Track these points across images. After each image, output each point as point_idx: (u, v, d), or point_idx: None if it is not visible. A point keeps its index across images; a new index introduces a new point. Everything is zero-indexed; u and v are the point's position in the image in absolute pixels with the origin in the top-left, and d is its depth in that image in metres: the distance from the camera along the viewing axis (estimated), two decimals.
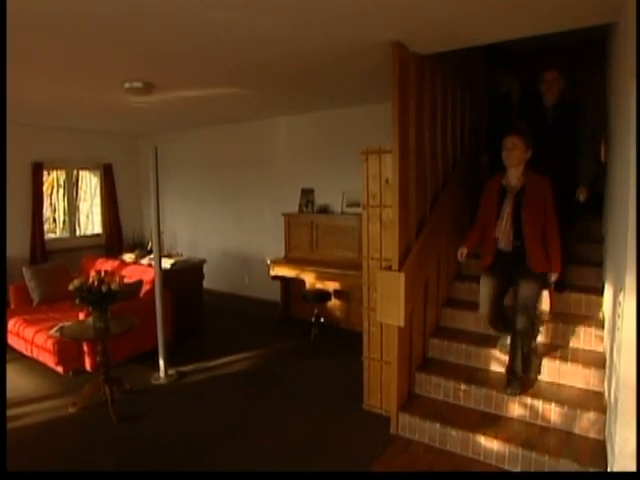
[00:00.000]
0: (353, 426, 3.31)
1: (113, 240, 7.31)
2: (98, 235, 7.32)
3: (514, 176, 2.96)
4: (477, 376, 3.25)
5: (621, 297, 1.98)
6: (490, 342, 3.40)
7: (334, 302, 5.32)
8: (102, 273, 3.48)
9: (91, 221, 7.42)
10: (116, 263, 5.30)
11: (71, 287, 3.34)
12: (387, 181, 3.22)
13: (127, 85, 3.65)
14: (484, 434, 2.85)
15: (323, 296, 5.13)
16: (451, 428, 2.97)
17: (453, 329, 3.68)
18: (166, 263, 4.88)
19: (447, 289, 3.88)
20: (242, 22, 2.53)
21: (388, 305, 3.05)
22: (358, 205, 5.44)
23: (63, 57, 3.09)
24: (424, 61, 3.27)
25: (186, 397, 3.81)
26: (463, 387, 3.17)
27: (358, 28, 2.69)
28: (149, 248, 6.31)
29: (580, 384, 3.02)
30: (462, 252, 3.20)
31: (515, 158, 2.91)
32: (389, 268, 3.13)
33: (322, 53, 3.18)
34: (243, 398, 3.76)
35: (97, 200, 7.36)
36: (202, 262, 5.49)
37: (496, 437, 2.81)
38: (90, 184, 7.35)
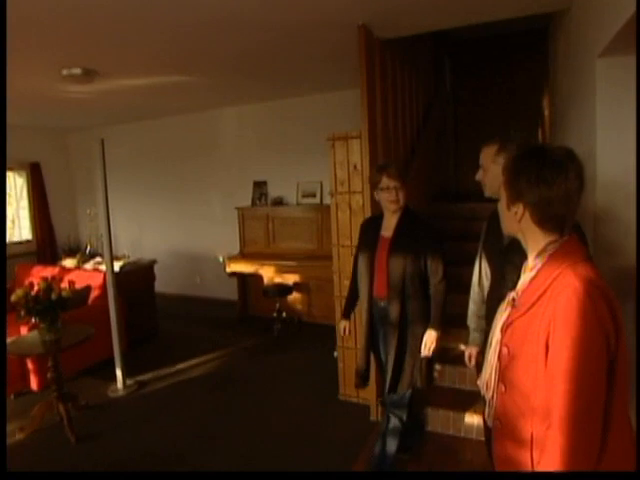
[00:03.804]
0: (333, 417, 3.26)
1: (45, 246, 6.71)
2: (28, 241, 6.68)
3: None
4: (449, 355, 3.31)
5: None
6: (459, 323, 3.47)
7: (295, 295, 5.22)
8: (49, 279, 3.14)
9: (17, 226, 6.75)
10: (56, 270, 4.83)
11: (14, 298, 2.98)
12: (355, 167, 3.18)
13: (65, 72, 3.31)
14: (463, 410, 2.92)
15: (284, 290, 5.01)
16: (430, 409, 3.02)
17: None
18: (114, 266, 4.52)
19: None
20: None
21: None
22: (314, 196, 5.39)
23: None
24: (386, 46, 3.25)
25: (150, 408, 3.56)
26: (437, 367, 3.21)
27: (324, 9, 2.61)
28: (89, 252, 5.88)
29: None
30: None
31: None
32: None
33: (285, 35, 3.07)
34: (212, 401, 3.58)
35: (24, 203, 6.71)
36: (152, 263, 5.17)
37: (475, 412, 2.88)
38: (15, 186, 6.68)
